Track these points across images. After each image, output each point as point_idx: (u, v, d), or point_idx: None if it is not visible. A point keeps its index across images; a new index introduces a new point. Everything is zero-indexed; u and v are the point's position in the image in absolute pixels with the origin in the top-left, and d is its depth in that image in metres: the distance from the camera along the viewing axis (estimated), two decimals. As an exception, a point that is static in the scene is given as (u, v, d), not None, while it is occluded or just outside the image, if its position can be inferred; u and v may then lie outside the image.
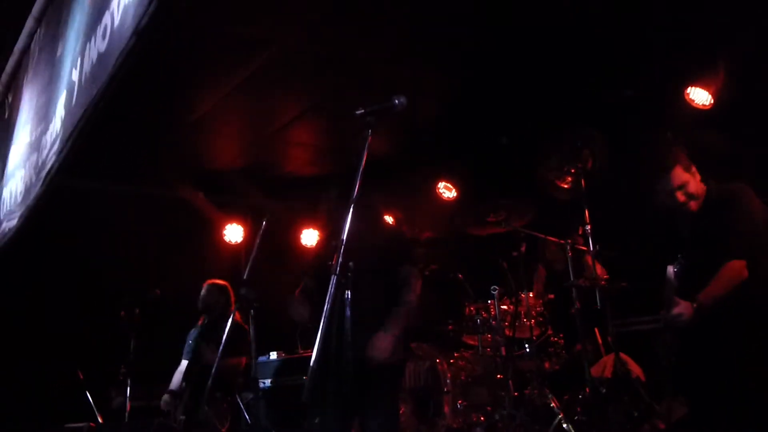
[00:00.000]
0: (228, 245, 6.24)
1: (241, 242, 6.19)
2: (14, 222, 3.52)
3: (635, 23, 4.10)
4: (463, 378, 4.63)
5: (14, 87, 3.97)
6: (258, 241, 3.23)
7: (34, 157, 3.40)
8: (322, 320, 1.95)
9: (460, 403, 4.49)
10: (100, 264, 5.62)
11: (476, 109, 5.13)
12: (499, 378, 4.54)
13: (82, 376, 4.60)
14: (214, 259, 5.96)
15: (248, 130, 5.49)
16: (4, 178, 4.01)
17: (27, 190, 3.40)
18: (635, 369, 4.23)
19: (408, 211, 6.36)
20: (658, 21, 4.09)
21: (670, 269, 2.70)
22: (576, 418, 4.15)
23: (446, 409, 4.45)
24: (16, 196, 3.66)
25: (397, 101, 2.32)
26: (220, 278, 4.90)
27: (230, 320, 3.23)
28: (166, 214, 6.05)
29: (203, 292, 4.81)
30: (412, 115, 2.36)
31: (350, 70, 4.51)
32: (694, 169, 3.01)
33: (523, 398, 4.29)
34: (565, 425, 4.01)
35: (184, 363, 4.79)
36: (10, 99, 3.98)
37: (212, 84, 4.56)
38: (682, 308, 2.72)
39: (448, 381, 4.50)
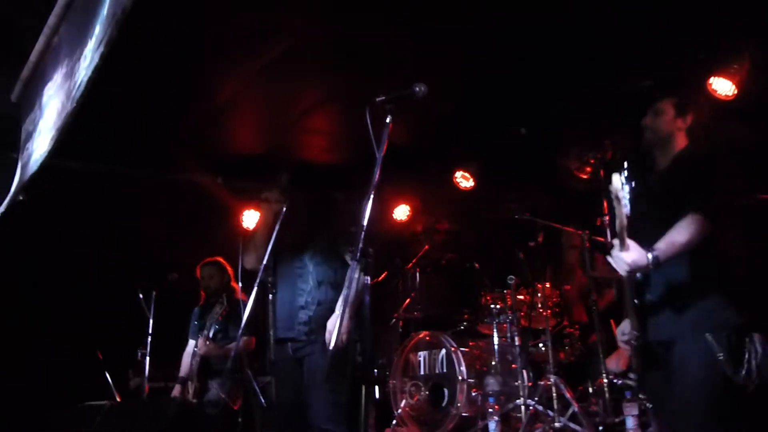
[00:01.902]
0: (245, 231, 6.28)
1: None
2: (45, 147, 3.53)
3: (657, 11, 4.04)
4: (477, 367, 4.65)
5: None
6: (278, 226, 3.27)
7: (67, 84, 3.39)
8: (341, 304, 1.97)
9: (474, 392, 4.51)
10: (119, 247, 5.70)
11: (495, 99, 5.09)
12: (514, 368, 4.55)
13: (101, 357, 4.67)
14: (231, 244, 6.01)
15: (266, 117, 5.51)
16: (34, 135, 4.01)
17: (59, 114, 3.41)
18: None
19: (425, 201, 6.37)
20: (680, 8, 4.02)
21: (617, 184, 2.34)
22: (591, 408, 4.15)
23: (460, 397, 4.47)
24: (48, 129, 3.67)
25: (417, 89, 2.33)
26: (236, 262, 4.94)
27: (249, 303, 3.25)
28: (184, 199, 6.11)
29: (204, 275, 4.83)
30: (430, 103, 2.36)
31: (369, 58, 4.50)
32: (686, 121, 2.77)
33: (537, 388, 4.30)
34: (579, 416, 4.02)
35: (191, 343, 4.86)
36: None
37: (232, 70, 4.57)
38: (636, 254, 2.33)
39: (462, 370, 4.53)
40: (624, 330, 2.67)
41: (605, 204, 4.32)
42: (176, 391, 4.61)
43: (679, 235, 2.37)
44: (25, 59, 4.11)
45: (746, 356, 2.30)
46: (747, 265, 2.56)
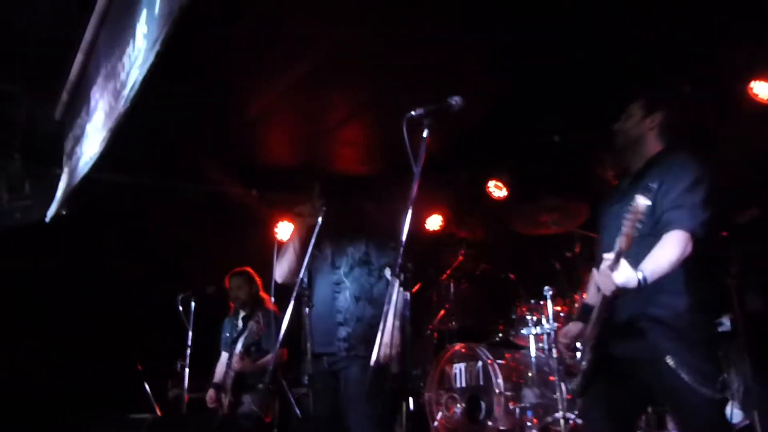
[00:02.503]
0: (279, 243, 6.33)
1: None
2: (97, 148, 3.61)
3: (694, 13, 3.96)
4: (514, 379, 4.59)
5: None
6: (313, 240, 3.28)
7: (111, 85, 3.47)
8: (383, 320, 1.98)
9: (511, 405, 4.45)
10: (159, 259, 5.80)
11: (528, 106, 5.05)
12: (552, 380, 4.47)
13: (140, 368, 4.74)
14: (266, 256, 6.06)
15: (300, 128, 5.56)
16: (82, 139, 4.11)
17: (107, 116, 3.48)
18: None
19: (458, 211, 6.34)
20: (721, 11, 3.94)
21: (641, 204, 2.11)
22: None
23: (498, 410, 4.42)
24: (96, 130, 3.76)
25: (453, 101, 2.32)
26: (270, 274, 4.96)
27: (286, 318, 3.27)
28: (221, 211, 6.20)
29: (233, 285, 4.83)
30: (462, 112, 2.36)
31: (401, 68, 4.51)
32: (655, 120, 2.70)
33: (575, 401, 4.22)
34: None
35: (224, 355, 4.90)
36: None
37: (266, 82, 4.64)
38: (627, 275, 2.18)
39: (499, 382, 4.47)
40: (570, 332, 2.66)
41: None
42: (210, 395, 4.65)
43: (666, 254, 2.26)
44: (65, 75, 4.22)
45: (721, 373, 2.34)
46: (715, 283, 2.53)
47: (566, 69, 4.51)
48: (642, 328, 2.35)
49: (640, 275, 2.18)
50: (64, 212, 4.67)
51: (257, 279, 4.89)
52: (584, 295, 4.53)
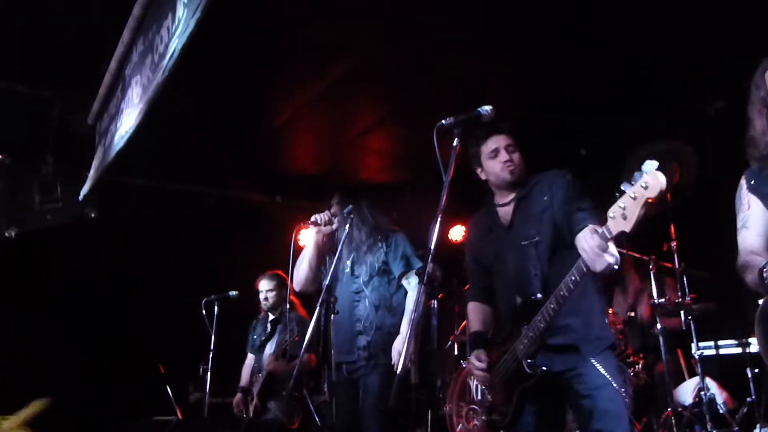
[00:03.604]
0: (299, 249, 6.35)
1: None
2: (133, 121, 3.64)
3: (726, 27, 3.91)
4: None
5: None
6: (338, 248, 3.29)
7: (147, 60, 3.50)
8: (406, 327, 1.98)
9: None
10: (183, 264, 5.86)
11: (555, 119, 5.02)
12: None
13: (163, 371, 4.77)
14: (289, 262, 6.09)
15: (327, 136, 5.59)
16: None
17: (144, 89, 3.50)
18: (722, 394, 4.02)
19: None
20: (751, 24, 3.88)
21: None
22: (657, 441, 3.98)
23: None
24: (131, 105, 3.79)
25: (483, 111, 2.31)
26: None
27: (312, 325, 3.29)
28: (245, 216, 6.25)
29: (263, 288, 4.82)
30: (491, 124, 2.39)
31: (429, 78, 4.52)
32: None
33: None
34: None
35: (250, 357, 4.90)
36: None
37: (293, 91, 4.68)
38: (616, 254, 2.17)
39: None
40: (483, 362, 2.59)
41: (672, 229, 4.19)
42: (236, 400, 4.67)
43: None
44: (98, 81, 4.30)
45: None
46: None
47: (594, 83, 4.48)
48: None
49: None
50: (93, 215, 4.74)
51: (288, 283, 4.88)
52: (609, 311, 4.49)
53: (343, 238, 3.37)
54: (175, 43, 3.00)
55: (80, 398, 5.10)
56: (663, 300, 4.16)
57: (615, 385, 2.38)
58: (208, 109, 4.82)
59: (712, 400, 3.90)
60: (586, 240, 2.12)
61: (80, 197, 4.64)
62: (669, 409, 3.92)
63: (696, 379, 4.07)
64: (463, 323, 5.54)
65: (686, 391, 4.18)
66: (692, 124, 4.60)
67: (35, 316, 5.27)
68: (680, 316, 4.16)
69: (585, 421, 2.36)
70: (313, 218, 3.56)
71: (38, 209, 4.63)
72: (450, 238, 6.44)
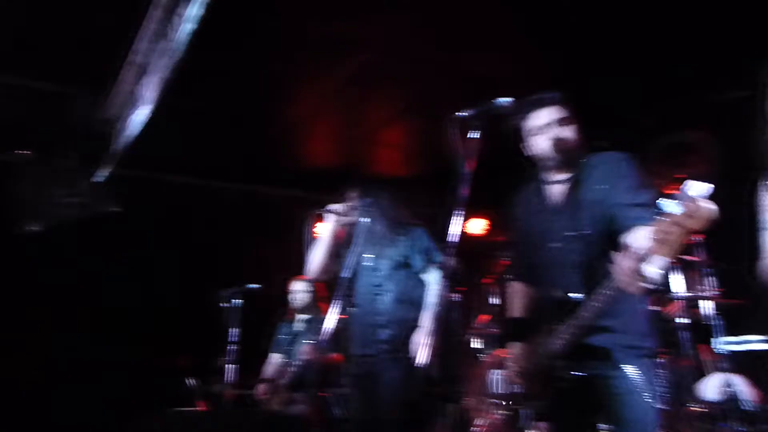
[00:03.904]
0: (313, 237, 6.36)
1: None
2: (146, 109, 3.66)
3: (747, 14, 3.82)
4: (556, 387, 4.50)
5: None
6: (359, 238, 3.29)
7: (161, 47, 3.53)
8: (426, 320, 1.97)
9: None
10: (205, 257, 5.91)
11: (575, 110, 4.96)
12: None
13: (185, 363, 4.82)
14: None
15: (344, 130, 5.60)
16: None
17: (157, 75, 3.53)
18: (749, 391, 3.95)
19: (504, 215, 6.27)
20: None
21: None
22: (679, 437, 3.93)
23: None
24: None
25: (502, 103, 2.29)
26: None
27: (330, 320, 3.30)
28: (265, 210, 6.29)
29: (297, 289, 4.86)
30: (510, 115, 2.32)
31: (447, 71, 4.50)
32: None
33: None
34: (667, 444, 3.80)
35: (274, 356, 4.93)
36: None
37: (311, 85, 4.69)
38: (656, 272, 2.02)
39: (541, 390, 4.38)
40: (518, 356, 2.45)
41: (696, 221, 4.11)
42: (260, 388, 4.71)
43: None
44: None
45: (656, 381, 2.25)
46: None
47: (612, 74, 4.43)
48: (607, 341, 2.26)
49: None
50: (115, 209, 4.80)
51: (318, 287, 4.90)
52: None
53: (361, 230, 3.37)
54: (182, 28, 3.00)
55: (103, 390, 5.19)
56: (688, 294, 4.10)
57: (646, 393, 2.21)
58: (227, 104, 4.85)
59: (736, 397, 3.84)
60: (621, 260, 1.97)
61: (97, 182, 4.69)
62: (692, 405, 3.87)
63: (720, 375, 4.01)
64: (482, 317, 5.52)
65: (710, 387, 4.12)
66: (714, 115, 4.51)
67: (59, 308, 5.37)
68: (704, 310, 4.10)
69: (613, 426, 2.26)
70: (332, 207, 3.56)
71: (61, 203, 4.69)
72: (469, 231, 6.42)
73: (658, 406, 2.22)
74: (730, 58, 4.17)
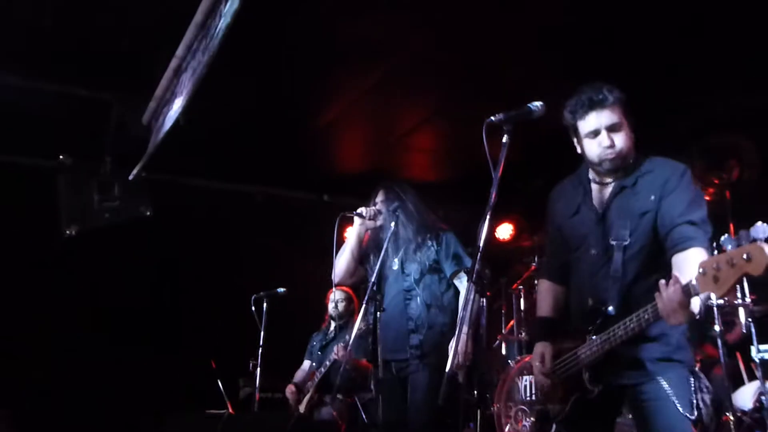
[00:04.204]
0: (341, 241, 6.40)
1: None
2: (180, 103, 3.68)
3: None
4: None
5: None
6: (386, 245, 3.30)
7: (203, 44, 3.53)
8: (458, 327, 1.97)
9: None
10: (234, 261, 5.99)
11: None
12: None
13: (214, 366, 4.89)
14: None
15: (373, 135, 5.61)
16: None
17: (194, 72, 3.54)
18: (786, 400, 3.84)
19: (530, 219, 6.22)
20: None
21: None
22: (715, 447, 3.84)
23: None
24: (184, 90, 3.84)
25: (534, 107, 2.27)
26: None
27: (359, 324, 3.32)
28: (293, 215, 6.34)
29: (336, 299, 4.86)
30: (540, 120, 2.28)
31: (475, 76, 4.48)
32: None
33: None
34: (702, 454, 3.72)
35: (306, 363, 4.97)
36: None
37: (340, 90, 4.72)
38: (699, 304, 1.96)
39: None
40: (546, 357, 2.36)
41: (732, 228, 4.03)
42: (290, 388, 4.74)
43: None
44: (155, 83, 4.44)
45: (696, 395, 2.15)
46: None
47: (647, 78, 4.35)
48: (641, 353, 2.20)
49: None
50: (147, 213, 4.89)
51: (355, 299, 4.91)
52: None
53: (389, 235, 3.36)
54: (221, 23, 3.05)
55: (134, 392, 5.28)
56: (722, 301, 4.01)
57: (678, 404, 2.12)
58: (255, 108, 4.91)
59: (773, 406, 3.74)
60: (667, 291, 1.89)
61: (131, 187, 4.77)
62: (728, 414, 3.78)
63: (756, 383, 3.91)
64: (510, 323, 5.48)
65: (746, 396, 4.02)
66: (753, 118, 4.41)
67: (92, 312, 5.48)
68: (740, 325, 4.01)
69: None
70: (358, 210, 3.55)
71: (97, 208, 4.79)
72: (497, 236, 6.38)
73: (692, 417, 2.13)
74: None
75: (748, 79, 4.29)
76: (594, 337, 2.21)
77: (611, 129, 2.28)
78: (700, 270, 1.80)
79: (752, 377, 4.09)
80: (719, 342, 3.89)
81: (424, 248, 3.46)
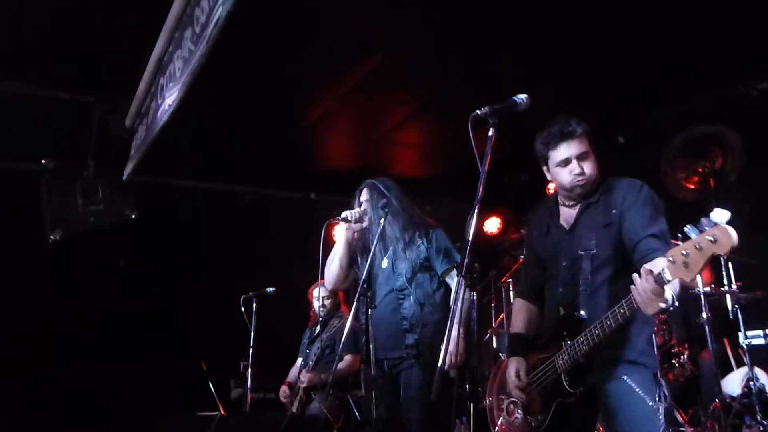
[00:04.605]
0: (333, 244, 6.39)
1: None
2: (175, 95, 3.63)
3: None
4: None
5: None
6: (374, 244, 3.29)
7: (188, 32, 3.49)
8: (449, 322, 1.96)
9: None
10: (221, 262, 5.95)
11: (590, 106, 4.91)
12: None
13: (205, 368, 4.86)
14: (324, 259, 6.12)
15: (359, 131, 5.60)
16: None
17: (186, 62, 3.49)
18: (774, 385, 3.89)
19: (517, 213, 6.24)
20: None
21: None
22: (705, 433, 3.89)
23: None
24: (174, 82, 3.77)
25: (519, 100, 2.26)
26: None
27: (349, 320, 3.31)
28: (280, 214, 6.32)
29: (320, 295, 4.81)
30: (525, 113, 2.29)
31: (460, 70, 4.48)
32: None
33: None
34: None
35: (299, 361, 4.95)
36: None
37: (325, 88, 4.70)
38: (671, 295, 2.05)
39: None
40: (520, 371, 2.49)
41: (716, 215, 4.06)
42: (284, 389, 4.73)
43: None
44: (136, 85, 4.39)
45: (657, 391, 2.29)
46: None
47: (632, 67, 4.38)
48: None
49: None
50: (133, 216, 4.85)
51: (341, 295, 4.86)
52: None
53: (377, 234, 3.33)
54: (219, 11, 2.99)
55: (124, 395, 5.24)
56: (708, 288, 4.05)
57: (645, 396, 2.25)
58: (241, 108, 4.88)
59: (762, 391, 3.78)
60: (641, 282, 2.01)
61: (123, 178, 4.72)
62: (717, 400, 3.82)
63: (744, 369, 3.96)
64: (501, 316, 5.50)
65: (734, 382, 4.07)
66: (736, 108, 4.45)
67: (79, 315, 5.43)
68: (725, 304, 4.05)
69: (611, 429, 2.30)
70: (343, 215, 3.50)
71: (81, 212, 4.75)
72: (485, 230, 6.39)
73: (660, 415, 2.25)
74: (753, 50, 4.11)
75: (731, 68, 4.32)
76: (569, 342, 2.33)
77: (580, 158, 2.43)
78: (669, 258, 1.91)
79: (740, 363, 4.13)
80: (707, 329, 3.93)
81: (414, 246, 3.43)
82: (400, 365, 3.33)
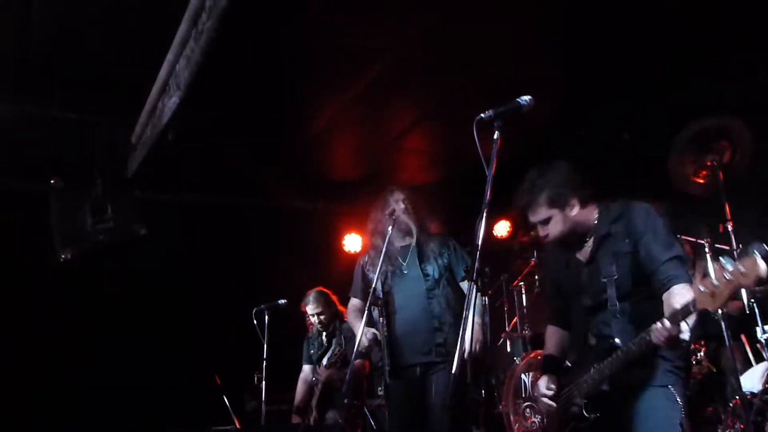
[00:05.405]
0: (347, 255, 6.39)
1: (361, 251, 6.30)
2: (181, 90, 3.68)
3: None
4: (594, 387, 4.41)
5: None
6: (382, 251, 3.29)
7: (192, 33, 3.53)
8: (463, 325, 1.96)
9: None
10: (232, 275, 5.95)
11: (596, 103, 4.90)
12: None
13: (219, 382, 4.85)
14: (335, 269, 6.12)
15: (365, 139, 5.60)
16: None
17: (188, 60, 3.54)
18: (793, 380, 3.82)
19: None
20: None
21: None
22: (726, 431, 3.83)
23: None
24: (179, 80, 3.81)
25: (523, 101, 2.25)
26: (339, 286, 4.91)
27: (361, 327, 3.30)
28: (289, 225, 6.32)
29: (311, 309, 4.73)
30: (531, 114, 2.28)
31: (463, 75, 4.48)
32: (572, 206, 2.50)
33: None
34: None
35: (307, 367, 4.92)
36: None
37: (330, 97, 4.71)
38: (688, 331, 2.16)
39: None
40: (549, 389, 2.55)
41: (727, 208, 4.02)
42: (295, 420, 4.69)
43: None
44: (142, 102, 4.42)
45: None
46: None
47: (637, 63, 4.36)
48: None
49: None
50: (143, 232, 4.86)
51: (332, 296, 4.80)
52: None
53: (395, 241, 3.40)
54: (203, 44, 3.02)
55: (140, 410, 5.24)
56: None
57: (669, 409, 2.30)
58: (246, 119, 4.90)
59: (783, 387, 3.72)
60: (659, 332, 2.09)
61: (124, 207, 4.75)
62: (737, 397, 3.76)
63: (764, 365, 3.90)
64: (514, 320, 5.46)
65: (754, 378, 4.00)
66: (744, 100, 4.41)
67: (93, 332, 5.45)
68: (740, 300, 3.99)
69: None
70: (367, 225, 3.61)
71: (91, 230, 4.77)
72: (495, 234, 6.36)
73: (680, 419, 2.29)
74: (761, 42, 4.08)
75: (739, 60, 4.29)
76: (596, 365, 2.38)
77: (542, 223, 2.51)
78: (701, 288, 1.97)
79: (759, 359, 4.07)
80: (723, 325, 3.88)
81: (438, 251, 3.53)
82: (432, 368, 3.35)
